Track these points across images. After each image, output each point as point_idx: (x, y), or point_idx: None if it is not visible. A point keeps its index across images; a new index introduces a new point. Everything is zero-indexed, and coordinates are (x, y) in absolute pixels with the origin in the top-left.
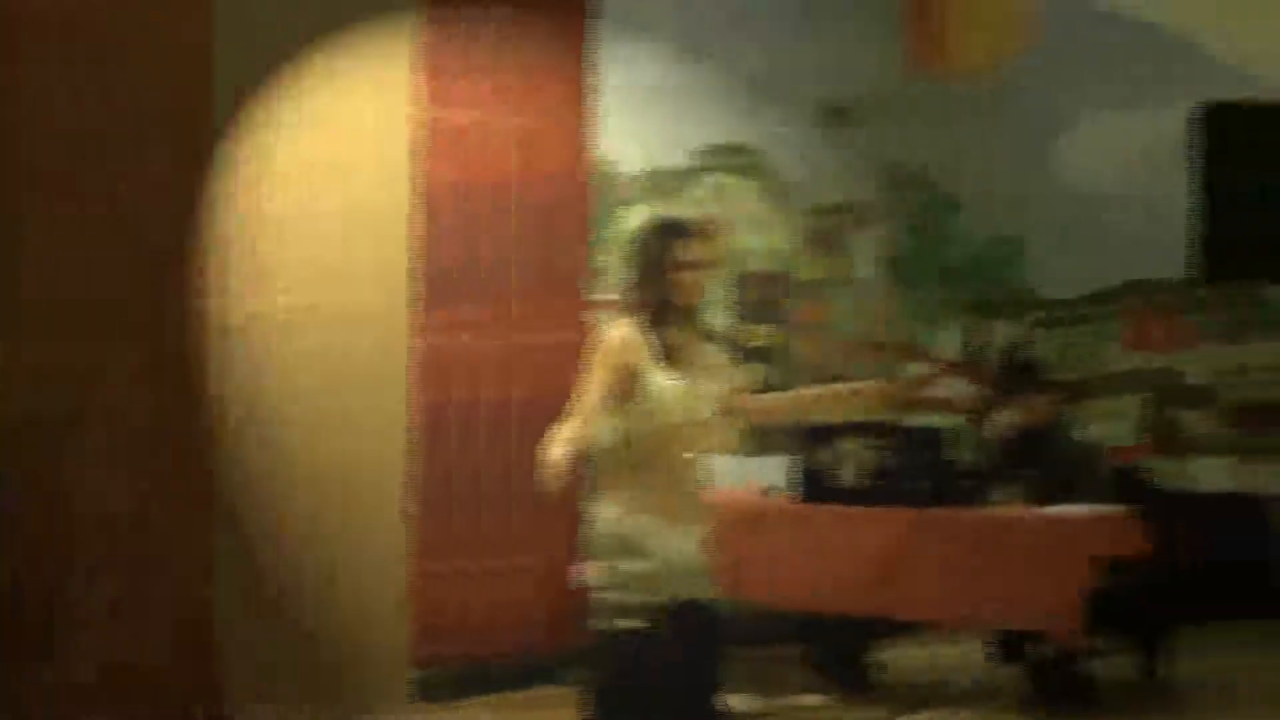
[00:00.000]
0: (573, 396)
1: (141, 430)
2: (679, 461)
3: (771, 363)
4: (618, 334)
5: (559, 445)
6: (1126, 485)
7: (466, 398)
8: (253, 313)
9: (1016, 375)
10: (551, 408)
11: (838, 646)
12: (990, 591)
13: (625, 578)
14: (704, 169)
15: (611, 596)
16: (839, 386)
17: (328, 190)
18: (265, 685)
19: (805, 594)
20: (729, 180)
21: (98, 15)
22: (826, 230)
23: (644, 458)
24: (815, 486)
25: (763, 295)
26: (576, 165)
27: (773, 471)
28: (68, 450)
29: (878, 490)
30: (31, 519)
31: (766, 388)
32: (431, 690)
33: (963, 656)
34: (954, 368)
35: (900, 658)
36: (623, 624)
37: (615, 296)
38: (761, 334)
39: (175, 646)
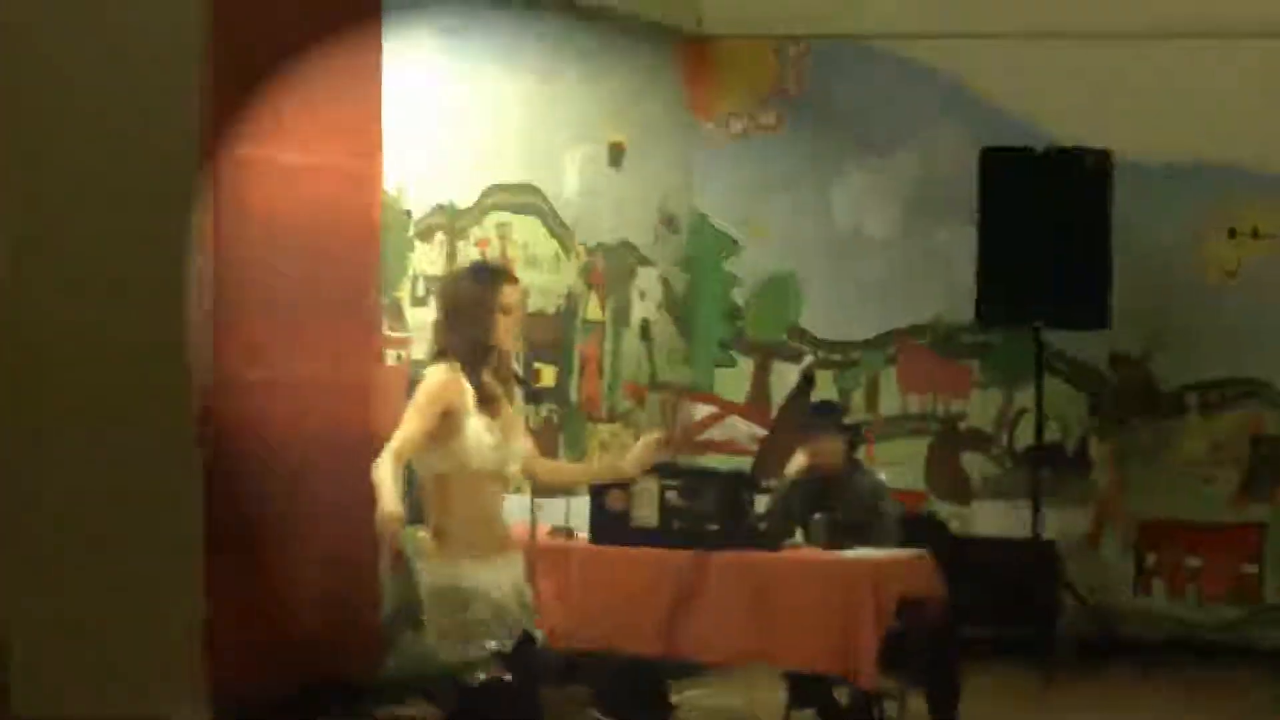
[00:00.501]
0: (384, 433)
1: None
2: (488, 503)
3: (555, 403)
4: (439, 378)
5: (385, 481)
6: (916, 529)
7: (261, 432)
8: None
9: (807, 417)
10: (345, 444)
11: (632, 687)
12: (784, 634)
13: (458, 627)
14: (489, 207)
15: (449, 646)
16: (622, 464)
17: (119, 222)
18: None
19: (599, 634)
20: (512, 219)
21: None
22: (608, 270)
23: (454, 500)
24: (607, 527)
25: (546, 335)
26: (366, 201)
27: (560, 511)
28: None
29: (669, 531)
30: None
31: (552, 428)
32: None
33: (759, 698)
34: (737, 409)
35: (696, 699)
36: (465, 671)
37: (407, 335)
38: (545, 374)
39: None
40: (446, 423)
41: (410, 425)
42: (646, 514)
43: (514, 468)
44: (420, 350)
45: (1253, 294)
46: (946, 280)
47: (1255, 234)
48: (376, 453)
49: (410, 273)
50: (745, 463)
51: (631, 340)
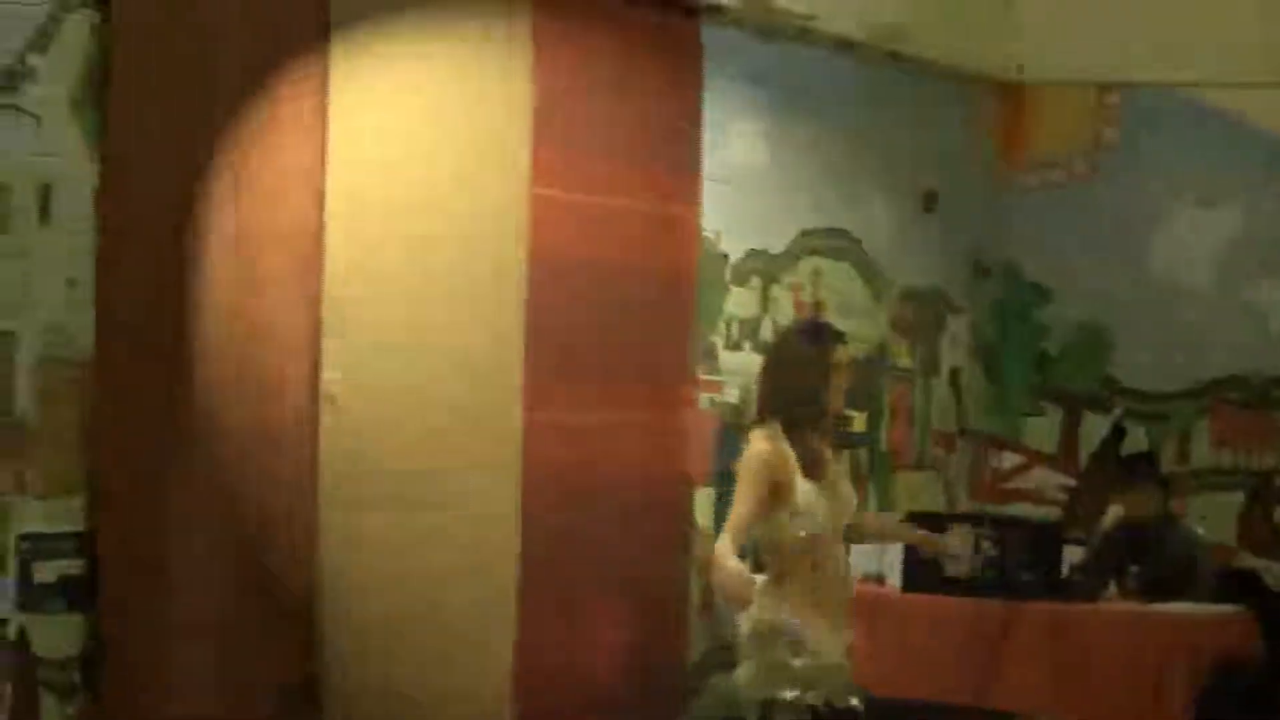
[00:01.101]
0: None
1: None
2: (825, 568)
3: (864, 449)
4: (766, 446)
5: (729, 557)
6: (1231, 584)
7: (575, 477)
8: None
9: (1121, 468)
10: (656, 487)
11: None
12: (1095, 687)
13: (781, 673)
14: (802, 252)
15: (765, 693)
16: (937, 541)
17: (437, 267)
18: None
19: (908, 682)
20: (825, 264)
21: None
22: (917, 316)
23: (791, 567)
24: (919, 575)
25: (856, 381)
26: (683, 245)
27: (873, 559)
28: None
29: (982, 580)
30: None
31: (860, 475)
32: None
33: None
34: (1045, 458)
35: None
36: (771, 715)
37: (720, 378)
38: (856, 420)
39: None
40: (775, 492)
41: (743, 505)
42: (959, 563)
43: (847, 520)
44: (733, 394)
45: None
46: (1263, 334)
47: None
48: (687, 495)
49: (725, 316)
50: (1052, 513)
51: (940, 387)
